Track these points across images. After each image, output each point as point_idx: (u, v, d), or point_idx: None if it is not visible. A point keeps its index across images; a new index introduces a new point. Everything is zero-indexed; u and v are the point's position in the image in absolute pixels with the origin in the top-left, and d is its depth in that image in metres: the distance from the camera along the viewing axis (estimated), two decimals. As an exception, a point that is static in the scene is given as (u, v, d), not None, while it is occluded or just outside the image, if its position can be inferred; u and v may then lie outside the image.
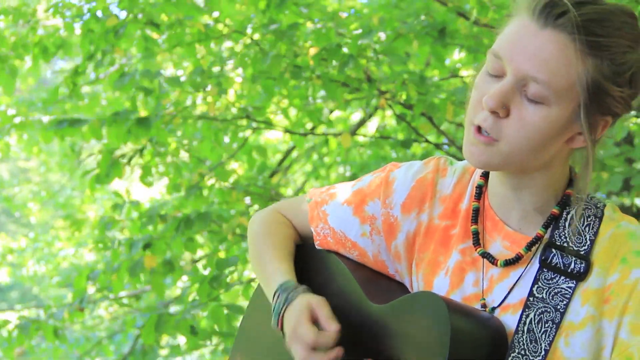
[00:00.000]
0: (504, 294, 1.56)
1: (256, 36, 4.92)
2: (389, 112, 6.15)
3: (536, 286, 1.51)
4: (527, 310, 1.50)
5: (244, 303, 5.44)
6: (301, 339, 1.59)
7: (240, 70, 5.16)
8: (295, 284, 1.69)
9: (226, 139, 5.70)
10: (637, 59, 1.47)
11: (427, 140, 5.40)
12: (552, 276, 1.51)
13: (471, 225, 1.62)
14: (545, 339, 1.48)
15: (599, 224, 1.54)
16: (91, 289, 5.46)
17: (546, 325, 1.49)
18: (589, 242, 1.52)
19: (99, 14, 4.97)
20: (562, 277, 1.51)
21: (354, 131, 6.32)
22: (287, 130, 5.72)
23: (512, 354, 1.48)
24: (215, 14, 5.27)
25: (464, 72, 5.83)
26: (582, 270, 1.50)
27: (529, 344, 1.48)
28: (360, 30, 4.66)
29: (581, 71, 1.43)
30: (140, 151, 5.02)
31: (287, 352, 1.65)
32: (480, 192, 1.64)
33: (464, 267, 1.61)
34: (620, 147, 4.38)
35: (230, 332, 4.67)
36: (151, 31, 5.04)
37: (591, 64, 1.44)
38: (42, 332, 5.00)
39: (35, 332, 4.87)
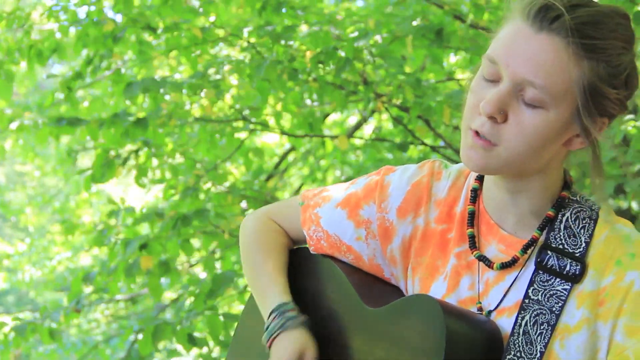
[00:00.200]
0: (499, 297, 1.56)
1: (252, 39, 4.92)
2: (385, 116, 6.16)
3: (532, 288, 1.51)
4: (522, 312, 1.50)
5: (240, 307, 5.44)
6: None
7: (236, 74, 5.16)
8: (293, 308, 1.71)
9: (222, 141, 5.69)
10: (632, 60, 1.48)
11: (423, 143, 5.40)
12: (548, 278, 1.51)
13: (467, 229, 1.61)
14: (540, 341, 1.48)
15: (594, 226, 1.54)
16: (87, 290, 5.45)
17: (542, 327, 1.49)
18: (584, 245, 1.52)
19: (96, 19, 4.97)
20: (558, 279, 1.51)
21: (350, 134, 6.33)
22: (283, 132, 5.71)
23: (508, 356, 1.48)
24: (212, 18, 5.27)
25: (460, 75, 5.84)
26: (577, 273, 1.50)
27: (524, 346, 1.48)
28: (356, 33, 4.66)
29: (577, 74, 1.43)
30: (136, 152, 5.02)
31: None
32: (475, 195, 1.63)
33: (459, 270, 1.61)
34: (617, 149, 4.38)
35: (227, 341, 4.66)
36: (148, 35, 5.04)
37: (587, 66, 1.44)
38: (38, 336, 4.99)
39: (31, 333, 4.85)
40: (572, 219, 1.55)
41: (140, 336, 6.17)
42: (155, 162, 5.31)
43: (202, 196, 5.32)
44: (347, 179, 6.05)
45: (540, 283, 1.51)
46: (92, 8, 4.98)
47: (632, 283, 1.46)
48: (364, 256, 1.72)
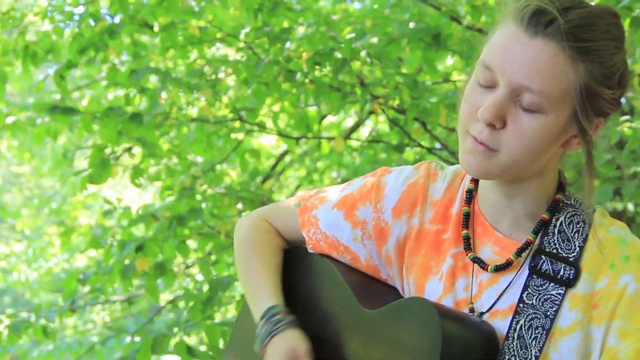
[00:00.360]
0: (492, 300, 1.56)
1: (249, 40, 4.92)
2: (382, 117, 6.16)
3: (526, 292, 1.51)
4: (517, 316, 1.50)
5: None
6: None
7: (233, 74, 5.16)
8: (281, 310, 1.71)
9: (219, 142, 5.69)
10: (624, 59, 1.48)
11: (420, 145, 5.40)
12: (542, 282, 1.51)
13: (462, 230, 1.61)
14: (535, 345, 1.48)
15: (588, 230, 1.54)
16: (83, 290, 5.45)
17: (536, 332, 1.49)
18: (577, 249, 1.52)
19: (92, 22, 4.97)
20: (552, 284, 1.51)
21: (347, 136, 6.33)
22: (279, 134, 5.71)
23: None
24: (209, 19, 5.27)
25: (456, 77, 5.84)
26: (571, 277, 1.50)
27: (519, 350, 1.48)
28: (353, 35, 4.66)
29: (573, 77, 1.43)
30: (129, 150, 5.01)
31: None
32: (470, 196, 1.63)
33: (455, 272, 1.61)
34: (612, 152, 4.38)
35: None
36: (145, 34, 5.03)
37: (583, 69, 1.44)
38: (34, 338, 4.98)
39: (25, 331, 4.84)
40: (566, 223, 1.55)
41: (137, 338, 6.17)
42: (151, 162, 5.31)
43: (198, 197, 5.32)
44: (344, 181, 6.06)
45: (535, 287, 1.51)
46: (83, 8, 4.97)
47: (626, 286, 1.46)
48: (361, 257, 1.72)
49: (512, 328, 1.49)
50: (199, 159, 5.93)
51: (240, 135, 5.85)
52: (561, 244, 1.53)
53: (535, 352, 1.47)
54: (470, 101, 1.49)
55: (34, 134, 4.98)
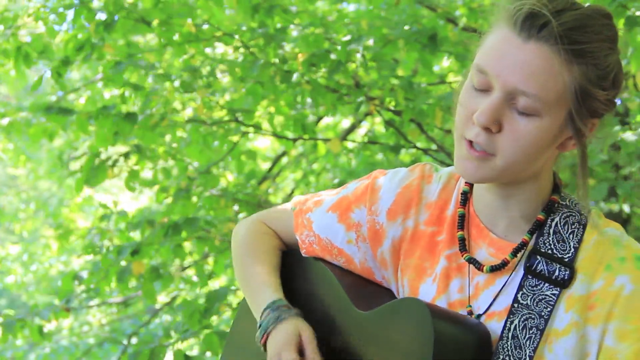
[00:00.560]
0: (489, 301, 1.56)
1: (245, 40, 4.92)
2: (378, 119, 6.16)
3: (521, 293, 1.51)
4: (511, 316, 1.50)
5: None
6: None
7: (229, 75, 5.16)
8: (285, 304, 1.70)
9: (215, 144, 5.68)
10: (618, 60, 1.48)
11: (415, 147, 5.40)
12: (537, 283, 1.51)
13: (457, 232, 1.61)
14: (529, 345, 1.48)
15: (583, 231, 1.54)
16: (79, 291, 5.44)
17: (530, 332, 1.49)
18: (572, 250, 1.52)
19: (87, 24, 4.96)
20: (547, 284, 1.51)
21: (343, 137, 6.33)
22: (275, 135, 5.71)
23: None
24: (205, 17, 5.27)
25: (452, 78, 5.84)
26: (566, 278, 1.50)
27: (513, 351, 1.48)
28: (349, 37, 4.66)
29: (568, 80, 1.44)
30: (126, 155, 5.00)
31: None
32: (465, 198, 1.63)
33: (449, 273, 1.61)
34: (608, 154, 4.39)
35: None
36: (142, 35, 5.02)
37: (577, 71, 1.44)
38: (30, 340, 4.97)
39: (20, 330, 4.83)
40: (562, 223, 1.55)
41: (133, 340, 6.16)
42: (147, 165, 5.30)
43: (194, 199, 5.32)
44: (340, 183, 6.06)
45: (529, 288, 1.51)
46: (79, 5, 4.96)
47: (622, 287, 1.46)
48: (355, 259, 1.72)
49: (507, 328, 1.49)
50: (196, 164, 5.92)
51: (236, 138, 5.85)
52: (556, 244, 1.53)
53: (530, 352, 1.47)
54: (466, 105, 1.49)
55: (30, 134, 4.97)
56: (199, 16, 5.23)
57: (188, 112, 5.38)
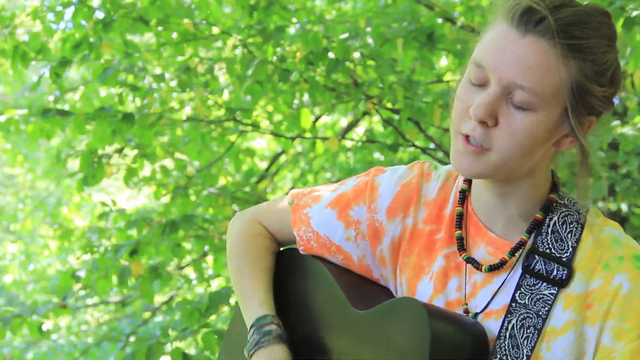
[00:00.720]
0: (487, 300, 1.56)
1: (243, 37, 4.92)
2: (376, 118, 6.16)
3: (519, 292, 1.51)
4: (509, 316, 1.50)
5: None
6: None
7: (226, 73, 5.15)
8: (270, 322, 1.71)
9: (213, 145, 5.68)
10: (616, 58, 1.48)
11: (414, 145, 5.40)
12: (535, 282, 1.51)
13: (455, 231, 1.61)
14: (527, 344, 1.48)
15: (581, 230, 1.54)
16: (76, 289, 5.44)
17: (528, 331, 1.49)
18: (570, 249, 1.52)
19: (85, 23, 4.95)
20: (545, 284, 1.51)
21: (342, 136, 6.32)
22: (274, 133, 5.71)
23: (494, 359, 1.48)
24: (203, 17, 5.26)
25: (450, 77, 5.84)
26: (564, 277, 1.50)
27: (511, 350, 1.48)
28: (347, 34, 4.66)
29: (565, 75, 1.44)
30: (121, 150, 4.99)
31: None
32: (463, 197, 1.63)
33: (447, 272, 1.61)
34: (606, 152, 4.40)
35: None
36: (139, 34, 5.01)
37: (574, 66, 1.44)
38: (27, 337, 4.96)
39: (19, 327, 4.82)
40: (560, 223, 1.55)
41: (131, 339, 6.15)
42: (145, 163, 5.30)
43: (192, 197, 5.32)
44: (338, 181, 6.06)
45: (527, 287, 1.51)
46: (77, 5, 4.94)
47: (620, 286, 1.46)
48: (354, 257, 1.72)
49: (504, 327, 1.49)
50: (196, 163, 5.92)
51: (233, 137, 5.85)
52: (554, 244, 1.53)
53: (527, 351, 1.47)
54: (462, 99, 1.49)
55: (28, 132, 4.96)
56: (196, 16, 5.22)
57: (186, 111, 5.37)
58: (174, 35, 4.96)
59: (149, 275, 4.76)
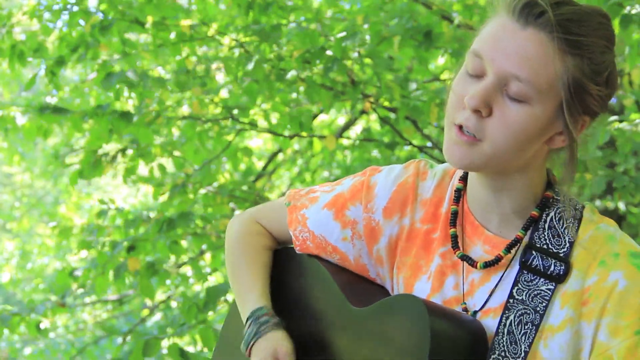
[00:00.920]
0: (485, 298, 1.56)
1: (240, 37, 4.91)
2: (373, 116, 6.16)
3: (516, 288, 1.51)
4: (507, 312, 1.50)
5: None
6: None
7: (224, 71, 5.15)
8: (266, 312, 1.72)
9: (210, 144, 5.67)
10: (613, 60, 1.49)
11: (411, 144, 5.41)
12: (532, 278, 1.52)
13: (450, 229, 1.61)
14: (525, 340, 1.48)
15: (578, 226, 1.54)
16: (74, 287, 5.43)
17: (526, 327, 1.49)
18: (568, 245, 1.52)
19: (82, 22, 4.94)
20: (542, 279, 1.51)
21: (339, 134, 6.32)
22: (271, 132, 5.71)
23: (493, 356, 1.48)
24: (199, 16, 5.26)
25: (447, 75, 5.84)
26: (561, 273, 1.50)
27: (509, 346, 1.48)
28: (344, 33, 4.66)
29: (562, 69, 1.44)
30: (123, 151, 5.00)
31: None
32: (459, 195, 1.64)
33: (444, 270, 1.61)
34: (603, 150, 4.40)
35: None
36: (135, 32, 5.01)
37: (571, 62, 1.45)
38: (25, 335, 4.96)
39: (17, 325, 4.82)
40: (556, 218, 1.55)
41: (128, 338, 6.14)
42: (143, 164, 5.30)
43: (191, 196, 5.31)
44: (335, 180, 6.06)
45: (525, 283, 1.52)
46: (75, 8, 4.94)
47: (616, 283, 1.46)
48: (350, 256, 1.72)
49: (502, 323, 1.50)
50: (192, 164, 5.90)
51: (230, 137, 5.84)
52: (552, 239, 1.53)
53: (525, 347, 1.48)
54: (458, 90, 1.49)
55: (24, 129, 4.95)
56: (193, 15, 5.22)
57: (184, 110, 5.37)
58: (173, 35, 4.96)
59: (146, 271, 4.76)
